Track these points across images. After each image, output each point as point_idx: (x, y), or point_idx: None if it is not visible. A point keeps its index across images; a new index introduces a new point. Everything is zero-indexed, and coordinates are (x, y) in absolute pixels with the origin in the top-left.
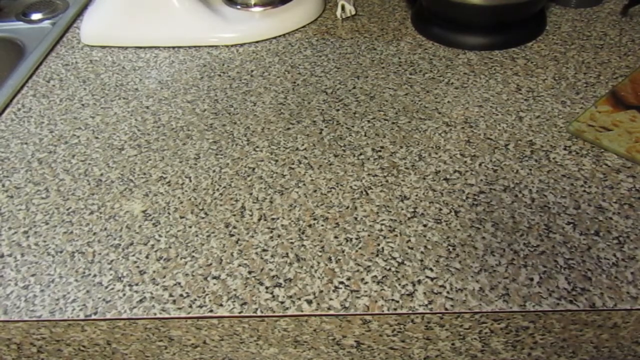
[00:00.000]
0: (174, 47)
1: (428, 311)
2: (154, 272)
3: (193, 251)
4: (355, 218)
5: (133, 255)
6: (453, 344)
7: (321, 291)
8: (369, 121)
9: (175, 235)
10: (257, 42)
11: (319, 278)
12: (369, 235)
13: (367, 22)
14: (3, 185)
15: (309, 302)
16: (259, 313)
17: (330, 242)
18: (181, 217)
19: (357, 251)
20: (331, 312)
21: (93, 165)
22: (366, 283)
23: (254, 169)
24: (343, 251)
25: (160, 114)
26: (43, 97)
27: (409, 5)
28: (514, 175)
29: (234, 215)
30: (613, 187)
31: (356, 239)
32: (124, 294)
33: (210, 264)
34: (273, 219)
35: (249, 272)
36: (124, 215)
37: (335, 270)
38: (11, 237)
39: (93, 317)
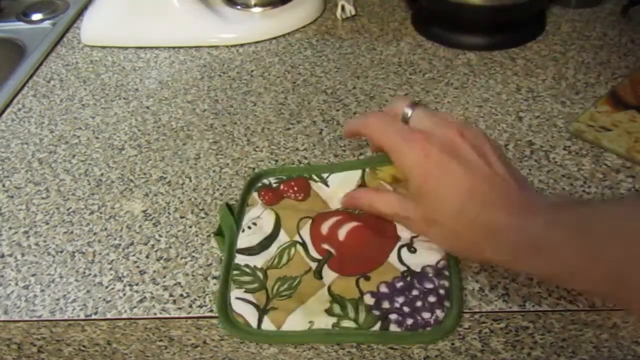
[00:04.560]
0: (174, 48)
1: None
2: (154, 272)
3: (193, 251)
4: None
5: (133, 255)
6: (453, 344)
7: None
8: None
9: (176, 235)
10: (257, 42)
11: None
12: None
13: (367, 23)
14: (3, 185)
15: None
16: None
17: None
18: (181, 217)
19: None
20: None
21: (93, 165)
22: None
23: (254, 169)
24: None
25: (161, 114)
26: (43, 97)
27: (409, 5)
28: None
29: None
30: (613, 187)
31: None
32: (124, 294)
33: (211, 264)
34: None
35: None
36: (124, 215)
37: None
38: (11, 237)
39: (93, 317)
